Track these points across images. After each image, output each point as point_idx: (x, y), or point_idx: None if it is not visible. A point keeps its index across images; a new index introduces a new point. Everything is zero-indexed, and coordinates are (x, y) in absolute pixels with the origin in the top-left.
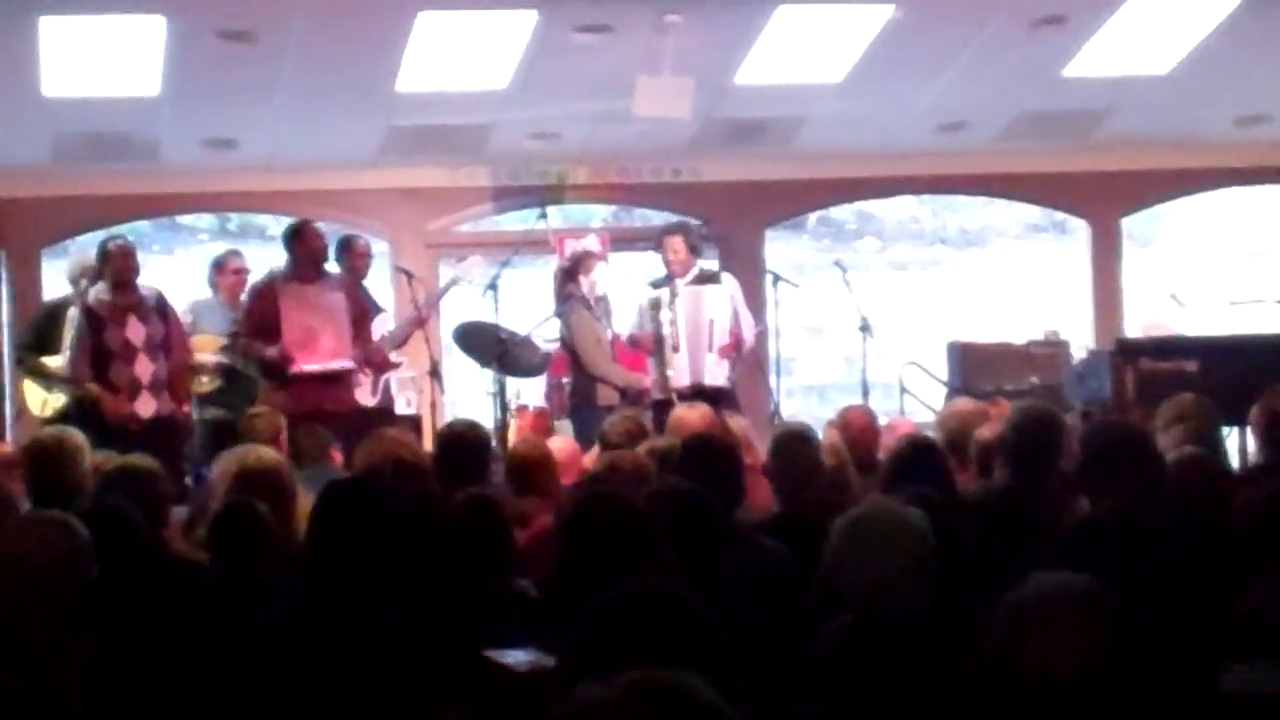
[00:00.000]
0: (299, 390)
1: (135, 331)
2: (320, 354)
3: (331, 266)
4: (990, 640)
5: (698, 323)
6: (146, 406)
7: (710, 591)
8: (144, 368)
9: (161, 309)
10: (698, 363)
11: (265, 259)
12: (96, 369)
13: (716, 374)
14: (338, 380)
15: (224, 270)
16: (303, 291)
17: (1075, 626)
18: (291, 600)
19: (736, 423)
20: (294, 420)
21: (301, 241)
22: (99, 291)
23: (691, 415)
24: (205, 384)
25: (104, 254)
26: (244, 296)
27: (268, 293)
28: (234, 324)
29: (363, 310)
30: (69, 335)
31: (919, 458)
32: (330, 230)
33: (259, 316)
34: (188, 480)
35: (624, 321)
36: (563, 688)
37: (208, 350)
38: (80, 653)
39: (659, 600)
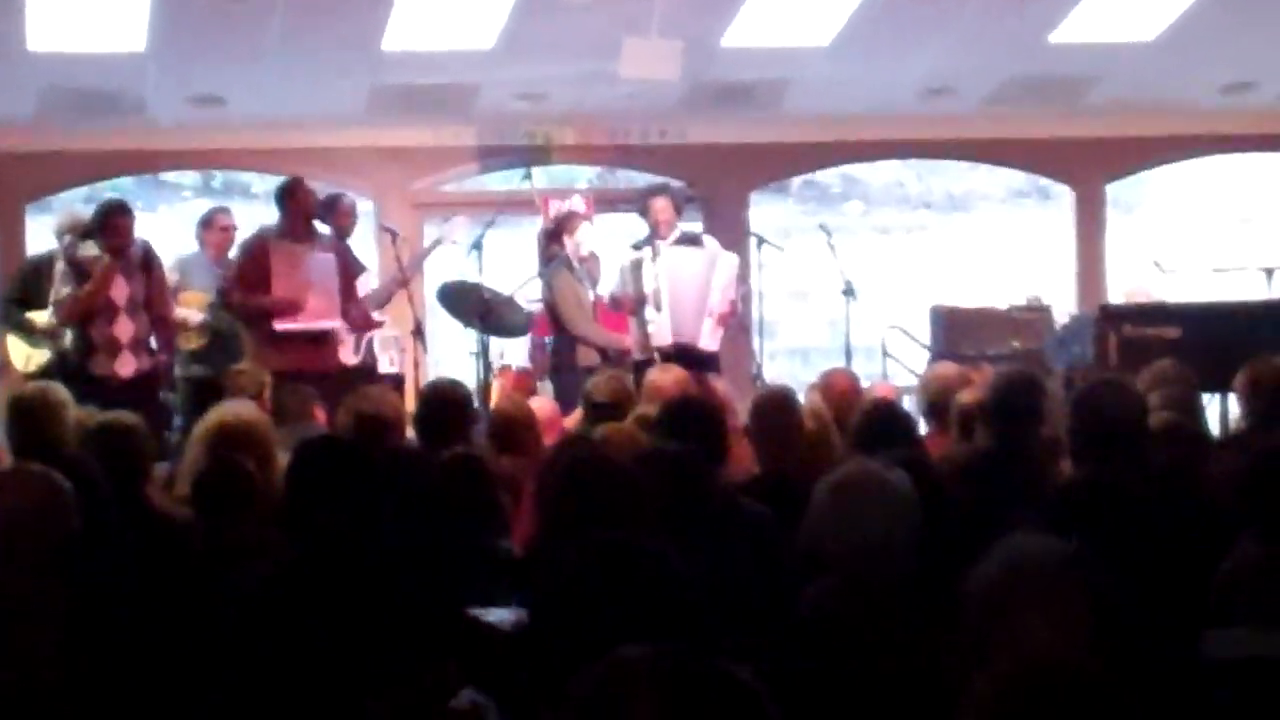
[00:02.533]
0: (284, 349)
1: (119, 290)
2: (307, 314)
3: (321, 226)
4: (967, 609)
5: (688, 283)
6: (126, 365)
7: (695, 552)
8: (124, 327)
9: (146, 263)
10: (685, 323)
11: (250, 216)
12: (79, 322)
13: (711, 340)
14: (324, 340)
15: (211, 227)
16: (293, 250)
17: (1051, 595)
18: (271, 558)
19: (718, 385)
20: (279, 379)
21: (294, 199)
22: (87, 248)
23: (665, 379)
24: (193, 340)
25: (101, 215)
26: (233, 252)
27: (259, 249)
28: (221, 280)
29: (350, 274)
30: (60, 289)
31: (886, 421)
32: (316, 189)
33: (250, 272)
34: (169, 436)
35: (608, 282)
36: (538, 643)
37: (194, 306)
38: (59, 606)
39: (632, 556)
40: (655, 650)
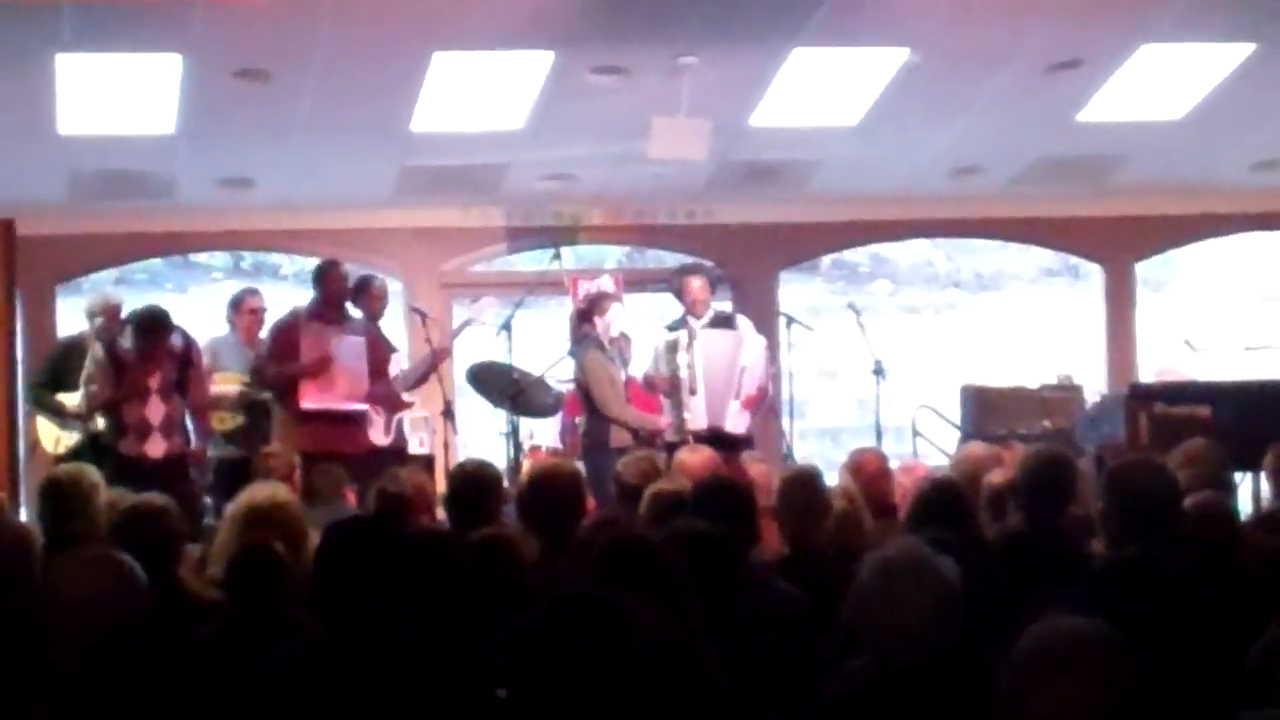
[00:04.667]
0: (312, 429)
1: (152, 375)
2: (334, 394)
3: (353, 309)
4: (1002, 687)
5: (718, 366)
6: (156, 447)
7: (726, 632)
8: (155, 410)
9: (184, 352)
10: (715, 406)
11: (279, 297)
12: (109, 408)
13: (738, 422)
14: (352, 421)
15: (241, 309)
16: (324, 331)
17: (1084, 674)
18: (301, 640)
19: (758, 468)
20: (308, 459)
21: (325, 281)
22: (125, 338)
23: (693, 459)
24: (226, 421)
25: (134, 323)
26: (264, 332)
27: (290, 328)
28: (255, 359)
29: (381, 357)
30: (90, 370)
31: (943, 499)
32: (346, 270)
33: (280, 350)
34: (207, 520)
35: (640, 363)
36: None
37: (227, 387)
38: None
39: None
40: None
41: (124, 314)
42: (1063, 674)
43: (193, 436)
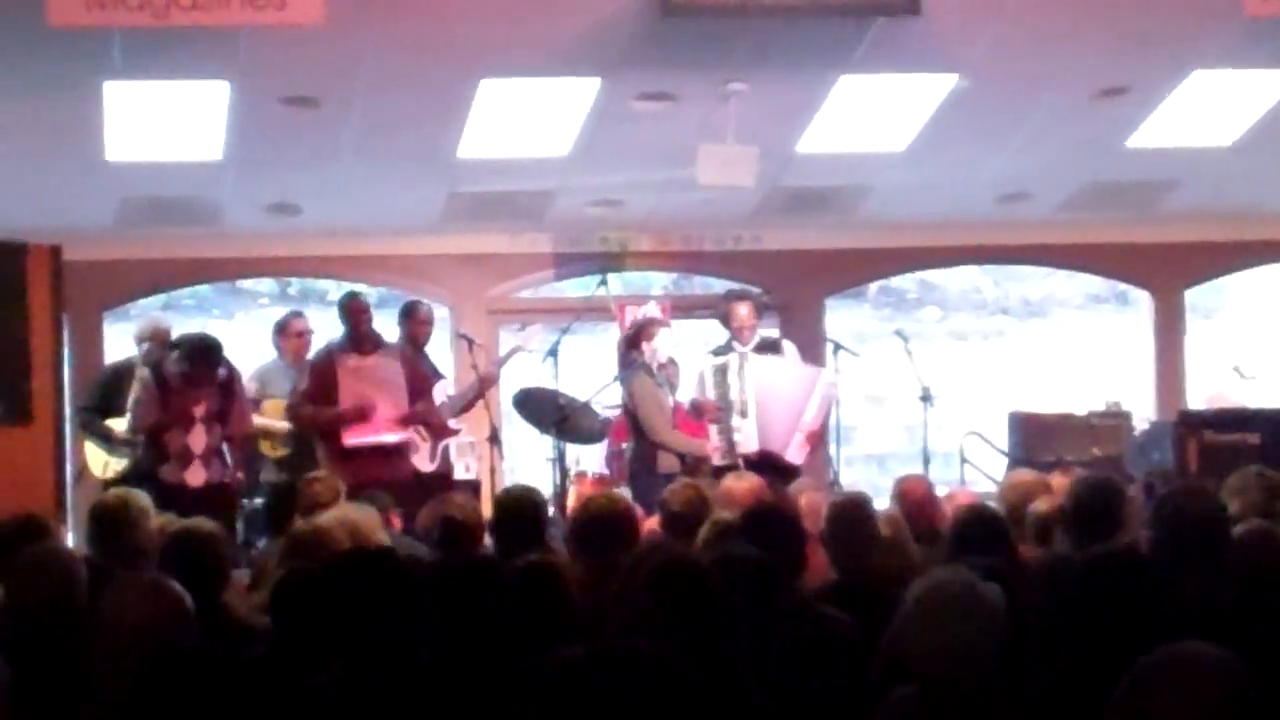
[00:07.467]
0: (355, 463)
1: (198, 403)
2: (375, 426)
3: (391, 335)
4: (1118, 698)
5: (780, 393)
6: (196, 475)
7: (774, 659)
8: (198, 438)
9: (227, 382)
10: (771, 431)
11: (327, 323)
12: (153, 433)
13: (797, 455)
14: (394, 451)
15: (287, 333)
16: (360, 363)
17: (1203, 694)
18: (344, 666)
19: (809, 497)
20: (352, 491)
21: (348, 313)
22: (173, 362)
23: (740, 485)
24: (276, 448)
25: (184, 348)
26: (308, 360)
27: (326, 364)
28: (291, 395)
29: (420, 378)
30: (137, 392)
31: (982, 526)
32: (391, 296)
33: (317, 387)
34: (256, 545)
35: (687, 389)
36: None
37: (276, 414)
38: None
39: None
40: None
41: (174, 339)
42: (1180, 691)
43: (230, 465)
